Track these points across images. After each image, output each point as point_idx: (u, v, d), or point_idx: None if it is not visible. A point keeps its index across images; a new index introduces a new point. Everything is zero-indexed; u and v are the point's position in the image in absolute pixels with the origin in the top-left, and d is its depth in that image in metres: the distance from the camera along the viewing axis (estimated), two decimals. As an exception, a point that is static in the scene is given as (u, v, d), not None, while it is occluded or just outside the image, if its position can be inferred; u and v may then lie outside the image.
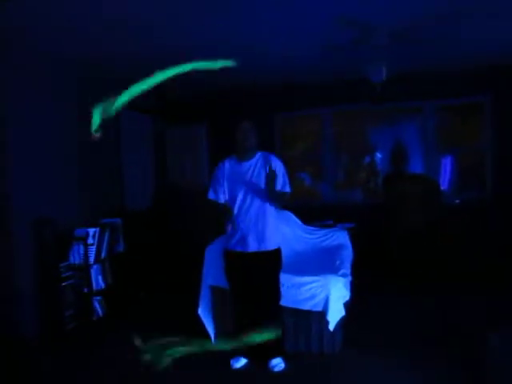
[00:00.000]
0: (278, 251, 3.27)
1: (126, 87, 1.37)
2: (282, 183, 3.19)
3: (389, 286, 5.15)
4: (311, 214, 6.01)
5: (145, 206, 6.00)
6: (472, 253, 5.54)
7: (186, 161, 6.74)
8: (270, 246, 3.21)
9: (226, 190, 3.22)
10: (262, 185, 3.08)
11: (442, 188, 6.15)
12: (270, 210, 3.22)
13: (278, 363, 3.23)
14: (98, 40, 4.01)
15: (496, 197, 6.05)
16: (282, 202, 3.31)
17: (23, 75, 4.08)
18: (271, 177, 2.98)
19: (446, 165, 6.73)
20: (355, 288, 3.95)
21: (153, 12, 3.39)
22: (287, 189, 3.24)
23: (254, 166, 3.21)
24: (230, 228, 3.18)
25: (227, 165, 3.27)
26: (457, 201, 6.36)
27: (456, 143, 6.52)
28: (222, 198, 3.24)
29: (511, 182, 5.93)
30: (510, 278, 5.09)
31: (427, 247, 5.34)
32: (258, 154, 3.27)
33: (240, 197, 3.16)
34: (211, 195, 3.28)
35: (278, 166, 3.21)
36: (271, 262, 3.23)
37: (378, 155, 6.89)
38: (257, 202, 3.16)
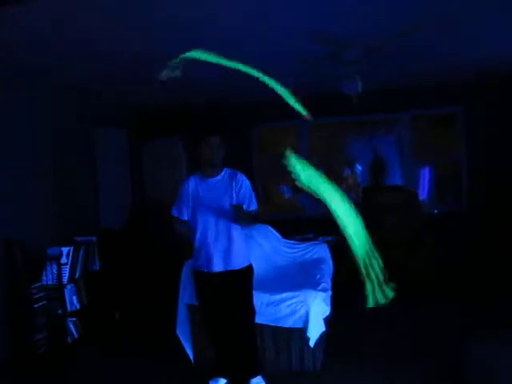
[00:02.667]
0: (247, 269, 3.14)
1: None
2: (247, 203, 3.06)
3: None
4: (291, 227, 5.98)
5: (121, 223, 5.87)
6: (449, 262, 5.57)
7: (163, 176, 6.64)
8: (238, 264, 3.08)
9: (190, 207, 3.12)
10: (227, 204, 2.98)
11: (420, 198, 6.18)
12: (236, 227, 3.09)
13: (257, 382, 3.14)
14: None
15: (471, 207, 6.13)
16: (249, 221, 3.19)
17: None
18: (237, 211, 2.90)
19: (425, 175, 6.80)
20: (335, 302, 3.90)
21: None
22: (253, 207, 3.11)
23: (220, 183, 3.10)
24: (195, 247, 3.10)
25: (192, 182, 3.16)
26: (435, 211, 6.42)
27: (433, 154, 6.60)
28: (186, 216, 3.14)
29: (485, 192, 6.02)
30: (483, 286, 5.18)
31: (406, 257, 5.32)
32: (224, 170, 3.15)
33: (203, 215, 3.06)
34: (174, 212, 3.18)
35: (245, 184, 3.11)
36: (240, 281, 3.10)
37: (358, 167, 6.94)
38: (221, 221, 3.04)
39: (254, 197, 3.13)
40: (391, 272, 4.86)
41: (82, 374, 3.72)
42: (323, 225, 6.06)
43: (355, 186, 6.92)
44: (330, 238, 5.63)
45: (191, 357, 3.64)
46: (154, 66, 1.98)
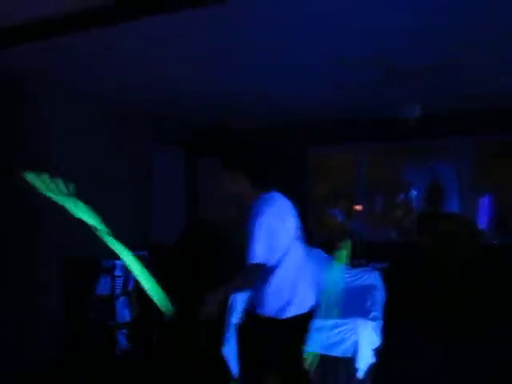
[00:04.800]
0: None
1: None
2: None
3: (423, 329, 4.90)
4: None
5: (173, 239, 6.00)
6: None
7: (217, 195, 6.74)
8: None
9: None
10: None
11: (479, 228, 5.91)
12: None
13: None
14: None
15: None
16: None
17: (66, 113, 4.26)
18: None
19: (484, 204, 6.51)
20: (387, 332, 3.77)
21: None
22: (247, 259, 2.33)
23: None
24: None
25: None
26: (495, 242, 6.11)
27: (494, 183, 6.31)
28: None
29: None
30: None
31: (464, 288, 5.09)
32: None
33: None
34: None
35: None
36: None
37: (414, 192, 6.76)
38: None
39: (250, 248, 2.31)
40: (450, 303, 4.52)
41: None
42: (374, 251, 6.07)
43: (409, 211, 6.74)
44: (381, 265, 5.49)
45: (235, 376, 3.62)
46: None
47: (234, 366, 3.64)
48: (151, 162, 5.61)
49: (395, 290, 4.71)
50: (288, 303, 2.40)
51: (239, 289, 2.55)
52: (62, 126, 4.27)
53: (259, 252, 2.28)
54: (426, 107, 4.28)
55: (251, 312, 2.49)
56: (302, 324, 2.49)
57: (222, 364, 3.67)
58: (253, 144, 2.67)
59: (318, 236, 6.20)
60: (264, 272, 2.37)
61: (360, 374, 3.21)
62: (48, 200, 3.79)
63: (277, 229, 2.35)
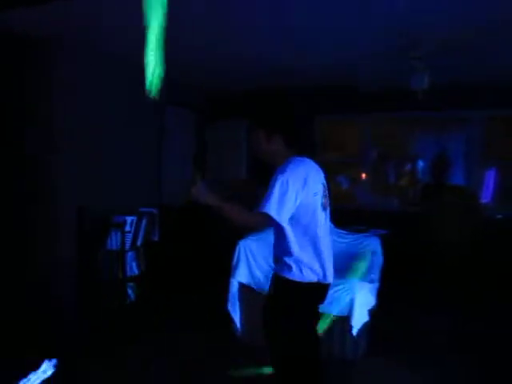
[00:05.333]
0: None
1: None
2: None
3: (418, 294, 5.11)
4: (346, 217, 6.03)
5: (182, 199, 6.16)
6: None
7: (225, 157, 6.88)
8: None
9: None
10: None
11: (482, 202, 6.01)
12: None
13: None
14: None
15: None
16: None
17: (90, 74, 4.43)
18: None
19: (490, 178, 6.56)
20: (383, 295, 3.96)
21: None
22: (260, 209, 2.32)
23: None
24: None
25: None
26: (499, 216, 6.19)
27: (502, 156, 6.35)
28: None
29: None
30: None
31: (461, 259, 5.26)
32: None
33: None
34: None
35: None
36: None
37: (420, 163, 6.83)
38: None
39: (266, 198, 2.32)
40: (447, 272, 4.72)
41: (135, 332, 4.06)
42: (376, 218, 6.22)
43: (414, 181, 6.83)
44: (381, 232, 5.64)
45: (239, 332, 3.85)
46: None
47: (237, 322, 3.87)
48: (163, 123, 5.71)
49: (394, 257, 4.88)
50: (322, 270, 2.44)
51: (236, 220, 2.36)
52: (77, 85, 4.35)
53: (272, 205, 2.27)
54: (437, 79, 4.31)
55: (278, 275, 2.50)
56: (323, 290, 2.55)
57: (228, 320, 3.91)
58: (291, 104, 2.68)
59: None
60: (286, 234, 2.40)
61: (354, 331, 3.41)
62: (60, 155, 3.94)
63: (297, 190, 2.32)
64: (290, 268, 2.41)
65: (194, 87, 6.33)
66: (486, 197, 6.42)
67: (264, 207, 2.26)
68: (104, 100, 4.66)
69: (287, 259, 2.41)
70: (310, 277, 2.39)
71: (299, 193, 2.32)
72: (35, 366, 3.10)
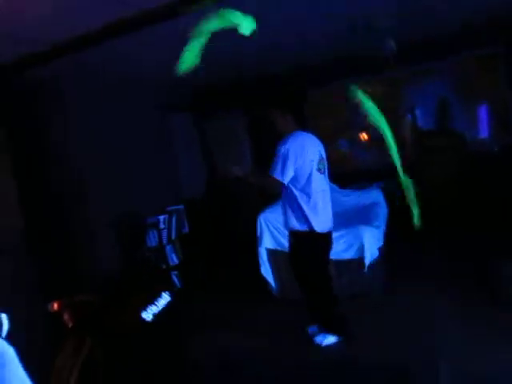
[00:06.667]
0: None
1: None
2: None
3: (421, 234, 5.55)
4: (350, 177, 6.61)
5: (200, 193, 6.85)
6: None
7: (229, 149, 7.48)
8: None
9: None
10: None
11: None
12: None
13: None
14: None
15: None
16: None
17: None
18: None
19: (483, 114, 6.99)
20: (391, 239, 4.58)
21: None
22: (269, 172, 3.19)
23: None
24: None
25: None
26: (496, 148, 6.59)
27: (488, 92, 6.65)
28: None
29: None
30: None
31: (454, 195, 5.80)
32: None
33: None
34: None
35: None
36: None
37: (418, 112, 7.15)
38: None
39: (274, 163, 3.16)
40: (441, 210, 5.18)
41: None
42: (377, 173, 6.76)
43: (416, 131, 7.04)
44: (381, 183, 6.21)
45: (275, 291, 4.50)
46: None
47: (272, 282, 4.53)
48: (168, 128, 6.37)
49: (395, 206, 5.43)
50: (317, 222, 3.22)
51: (258, 183, 3.35)
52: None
53: (277, 170, 3.10)
54: (403, 35, 4.72)
55: (291, 230, 3.34)
56: (327, 237, 3.36)
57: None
58: (301, 88, 3.49)
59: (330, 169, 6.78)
60: (292, 194, 3.19)
61: (366, 269, 4.04)
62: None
63: (296, 157, 3.09)
64: (293, 220, 3.24)
65: (183, 87, 6.82)
66: (483, 132, 6.89)
67: (272, 171, 3.12)
68: (116, 120, 5.32)
69: (290, 213, 3.24)
70: (303, 226, 3.20)
71: (298, 159, 3.13)
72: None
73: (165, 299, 2.07)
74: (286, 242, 4.28)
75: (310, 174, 3.18)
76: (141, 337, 1.89)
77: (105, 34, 3.54)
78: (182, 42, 2.34)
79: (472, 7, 5.19)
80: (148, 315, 1.93)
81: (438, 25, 5.77)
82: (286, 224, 3.37)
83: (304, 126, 3.37)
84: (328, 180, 3.44)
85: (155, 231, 5.17)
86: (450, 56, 6.52)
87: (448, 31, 6.12)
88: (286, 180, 3.13)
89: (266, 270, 4.48)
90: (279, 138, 3.27)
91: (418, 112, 7.02)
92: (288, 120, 3.28)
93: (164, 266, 5.17)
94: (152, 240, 5.20)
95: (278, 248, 4.35)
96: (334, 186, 5.66)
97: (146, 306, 1.95)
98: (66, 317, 2.00)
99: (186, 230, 5.71)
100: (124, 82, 5.38)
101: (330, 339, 3.44)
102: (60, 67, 4.25)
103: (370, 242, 4.08)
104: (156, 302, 2.01)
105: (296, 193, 3.20)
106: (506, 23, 5.99)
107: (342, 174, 6.39)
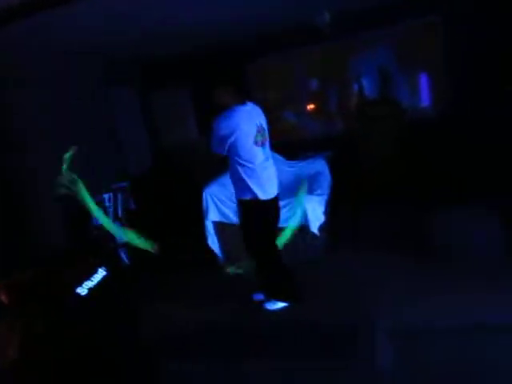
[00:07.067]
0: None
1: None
2: None
3: (363, 201, 5.76)
4: (297, 147, 6.73)
5: (146, 168, 6.77)
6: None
7: (175, 121, 7.41)
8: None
9: None
10: None
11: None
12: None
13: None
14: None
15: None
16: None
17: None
18: None
19: (423, 82, 7.21)
20: (336, 205, 4.78)
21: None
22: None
23: None
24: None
25: None
26: (435, 115, 6.77)
27: (424, 64, 6.86)
28: None
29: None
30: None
31: (394, 163, 6.05)
32: None
33: None
34: None
35: None
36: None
37: (364, 82, 7.27)
38: None
39: (211, 138, 3.34)
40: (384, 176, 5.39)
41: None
42: (323, 143, 6.92)
43: (364, 99, 7.13)
44: (327, 153, 6.38)
45: (222, 260, 4.59)
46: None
47: (219, 253, 4.61)
48: (111, 101, 6.21)
49: (339, 175, 5.62)
50: (260, 190, 3.34)
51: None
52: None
53: (214, 145, 3.27)
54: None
55: (238, 199, 3.48)
56: (272, 205, 3.49)
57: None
58: (240, 63, 3.51)
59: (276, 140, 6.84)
60: (234, 165, 3.30)
61: (314, 230, 4.20)
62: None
63: (230, 132, 3.17)
64: (239, 190, 3.39)
65: (131, 60, 6.69)
66: (424, 100, 7.11)
67: (210, 146, 3.31)
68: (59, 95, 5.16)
69: (236, 184, 3.39)
70: (248, 195, 3.35)
71: (228, 137, 3.21)
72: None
73: (101, 274, 2.08)
74: (231, 214, 4.39)
75: (250, 147, 3.26)
76: (76, 310, 1.91)
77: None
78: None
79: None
80: (83, 290, 1.94)
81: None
82: (235, 194, 3.50)
83: (245, 99, 3.40)
84: (270, 151, 3.51)
85: (101, 209, 5.10)
86: (388, 25, 6.66)
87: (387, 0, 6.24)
88: (222, 153, 3.30)
89: (213, 242, 4.54)
90: (221, 109, 3.31)
91: (364, 81, 7.21)
92: (227, 93, 3.32)
93: (112, 244, 5.13)
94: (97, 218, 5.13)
95: (224, 220, 4.41)
96: (280, 157, 5.77)
97: (81, 282, 1.96)
98: (2, 297, 1.99)
99: (133, 206, 5.65)
100: (68, 55, 5.22)
101: (279, 305, 3.61)
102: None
103: (313, 210, 4.20)
104: (92, 278, 2.02)
105: (237, 165, 3.31)
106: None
107: (288, 145, 6.53)
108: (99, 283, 2.05)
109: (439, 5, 6.28)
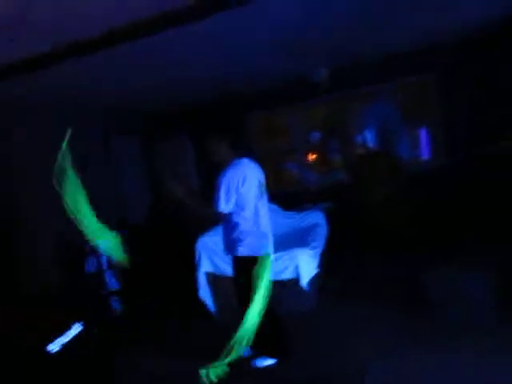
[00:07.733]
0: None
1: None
2: None
3: (360, 253, 5.70)
4: (297, 198, 6.75)
5: (144, 217, 6.79)
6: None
7: (177, 173, 7.48)
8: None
9: None
10: None
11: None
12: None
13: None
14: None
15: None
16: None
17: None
18: None
19: (423, 136, 7.29)
20: (332, 258, 4.71)
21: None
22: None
23: None
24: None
25: None
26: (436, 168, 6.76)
27: (428, 116, 6.97)
28: None
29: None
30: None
31: (394, 217, 6.04)
32: None
33: None
34: None
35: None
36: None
37: (367, 134, 7.36)
38: None
39: (216, 196, 3.19)
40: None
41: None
42: (323, 194, 6.94)
43: (367, 151, 7.24)
44: (326, 205, 6.38)
45: (214, 314, 4.48)
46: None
47: (210, 305, 4.52)
48: (111, 151, 6.31)
49: (338, 226, 5.59)
50: (260, 246, 3.27)
51: (200, 214, 3.43)
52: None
53: (220, 203, 3.14)
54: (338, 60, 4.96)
55: (234, 255, 3.36)
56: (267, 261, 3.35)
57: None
58: (238, 116, 3.46)
59: (277, 191, 6.81)
60: (234, 221, 3.23)
61: (304, 285, 4.11)
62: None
63: (237, 187, 3.14)
64: (235, 245, 3.28)
65: (134, 112, 6.88)
66: (424, 153, 7.17)
67: (215, 204, 3.14)
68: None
69: (233, 238, 3.29)
70: (246, 251, 3.25)
71: (239, 188, 3.17)
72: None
73: (75, 330, 2.04)
74: (224, 266, 4.34)
75: (251, 201, 3.25)
76: (46, 367, 1.86)
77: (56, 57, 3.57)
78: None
79: (402, 36, 5.50)
80: (54, 347, 1.89)
81: (374, 51, 6.03)
82: (229, 249, 3.40)
83: (242, 152, 3.41)
84: (267, 204, 3.51)
85: (94, 257, 5.08)
86: (386, 82, 6.81)
87: (383, 58, 6.42)
88: (228, 210, 3.20)
89: (205, 294, 4.47)
90: (219, 165, 3.32)
91: (365, 134, 7.30)
92: (224, 147, 3.32)
93: (103, 292, 5.07)
94: (91, 266, 5.10)
95: (217, 272, 4.36)
96: (278, 208, 5.78)
97: (53, 339, 1.91)
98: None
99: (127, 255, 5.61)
100: (72, 106, 5.37)
101: (269, 362, 3.47)
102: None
103: (305, 265, 4.15)
104: (65, 334, 1.97)
105: (237, 219, 3.25)
106: (434, 51, 6.36)
107: (288, 196, 6.55)
108: (73, 339, 1.99)
109: (432, 62, 6.47)
